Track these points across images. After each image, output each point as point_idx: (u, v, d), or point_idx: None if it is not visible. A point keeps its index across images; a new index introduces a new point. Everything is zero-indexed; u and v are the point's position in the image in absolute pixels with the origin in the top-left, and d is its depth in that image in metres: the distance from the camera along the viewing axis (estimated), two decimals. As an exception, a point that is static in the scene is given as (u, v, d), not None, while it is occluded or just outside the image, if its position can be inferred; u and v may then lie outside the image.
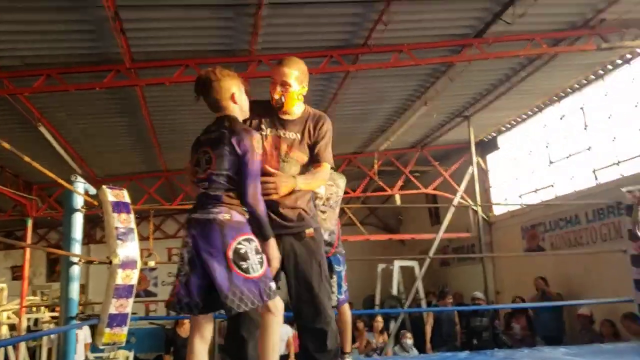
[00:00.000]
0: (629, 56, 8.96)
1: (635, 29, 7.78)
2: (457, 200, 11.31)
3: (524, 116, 11.93)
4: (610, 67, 9.44)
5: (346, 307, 4.57)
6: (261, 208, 2.68)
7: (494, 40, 7.57)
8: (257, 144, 2.70)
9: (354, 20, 7.07)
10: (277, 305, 2.71)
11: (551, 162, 11.31)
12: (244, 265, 2.59)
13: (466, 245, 13.77)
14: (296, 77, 3.06)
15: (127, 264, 5.09)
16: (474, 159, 11.91)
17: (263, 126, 3.06)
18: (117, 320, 5.07)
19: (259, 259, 2.65)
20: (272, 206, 2.93)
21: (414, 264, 12.68)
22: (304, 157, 3.09)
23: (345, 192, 13.55)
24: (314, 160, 3.11)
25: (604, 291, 8.50)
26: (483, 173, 13.04)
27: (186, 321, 9.74)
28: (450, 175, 13.07)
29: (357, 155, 12.80)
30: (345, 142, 11.65)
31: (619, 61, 9.21)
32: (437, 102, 9.53)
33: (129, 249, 5.15)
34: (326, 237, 4.41)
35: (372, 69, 7.97)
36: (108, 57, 7.26)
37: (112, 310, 4.99)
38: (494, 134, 13.05)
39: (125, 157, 11.73)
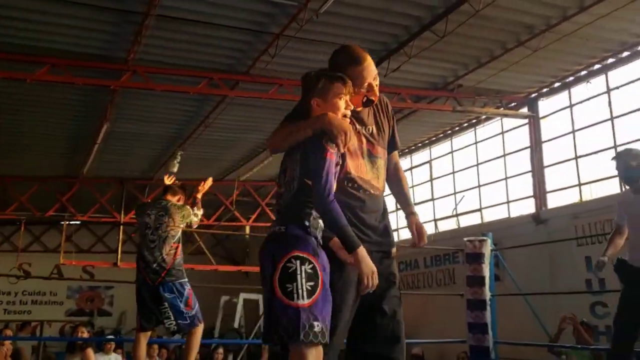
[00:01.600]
0: (474, 121, 10.04)
1: (485, 98, 8.78)
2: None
3: (377, 163, 12.70)
4: (457, 128, 10.50)
5: (198, 331, 4.53)
6: (332, 212, 2.16)
7: (366, 89, 8.04)
8: (329, 143, 2.21)
9: (241, 47, 7.12)
10: (315, 356, 2.10)
11: (397, 209, 12.11)
12: (289, 287, 2.11)
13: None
14: None
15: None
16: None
17: None
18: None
19: (310, 286, 2.12)
20: (361, 216, 2.47)
21: (259, 297, 12.67)
22: (385, 152, 2.61)
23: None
24: (393, 149, 2.69)
25: (435, 333, 9.19)
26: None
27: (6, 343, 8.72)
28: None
29: (217, 183, 12.62)
30: (206, 168, 11.45)
31: (466, 124, 10.28)
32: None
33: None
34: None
35: (249, 98, 8.05)
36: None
37: None
38: (348, 177, 13.67)
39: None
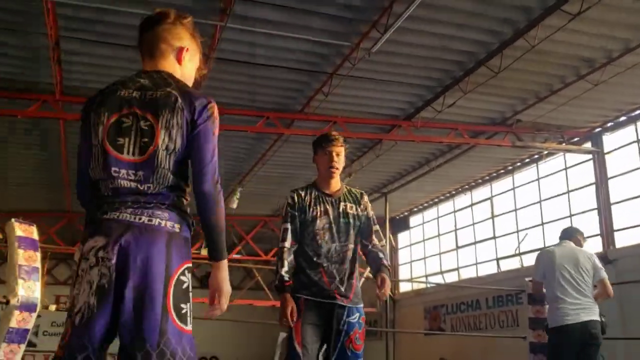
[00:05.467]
0: (536, 157, 9.75)
1: (545, 133, 8.54)
2: (367, 273, 11.47)
3: (436, 200, 12.54)
4: (519, 164, 10.22)
5: None
6: (222, 204, 1.79)
7: (421, 125, 8.02)
8: (217, 113, 1.82)
9: (297, 87, 7.28)
10: None
11: (458, 247, 11.85)
12: (184, 309, 1.68)
13: (369, 321, 13.85)
14: None
15: (26, 307, 4.70)
16: (388, 235, 12.22)
17: None
18: (4, 368, 4.63)
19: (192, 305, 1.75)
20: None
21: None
22: None
23: (257, 255, 13.44)
24: None
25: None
26: (393, 250, 13.39)
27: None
28: (361, 249, 13.28)
29: (273, 218, 12.77)
30: (263, 203, 11.64)
31: (527, 160, 10.01)
32: (360, 176, 9.83)
33: (30, 289, 4.77)
34: None
35: (304, 135, 8.16)
36: (36, 86, 6.96)
37: (0, 356, 4.56)
38: (406, 213, 13.56)
39: (29, 192, 11.02)
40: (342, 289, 2.88)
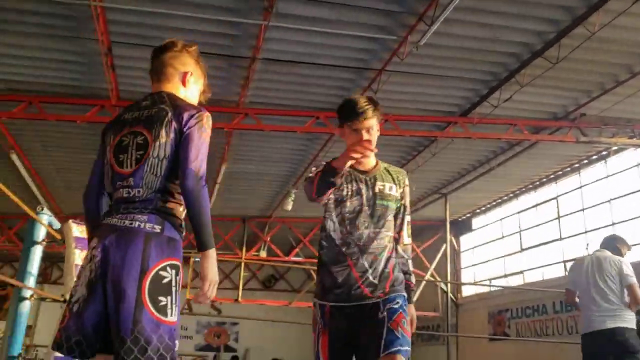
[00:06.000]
0: (604, 153, 9.19)
1: (613, 127, 8.02)
2: (427, 276, 11.21)
3: (499, 200, 12.07)
4: (586, 161, 9.67)
5: None
6: (206, 200, 1.94)
7: (478, 121, 7.72)
8: (207, 122, 2.05)
9: (344, 85, 7.17)
10: None
11: (522, 249, 11.36)
12: (163, 301, 1.85)
13: (431, 326, 13.53)
14: None
15: (82, 305, 4.81)
16: (448, 237, 11.89)
17: None
18: (63, 365, 4.75)
19: (178, 299, 1.92)
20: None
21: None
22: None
23: (315, 257, 13.38)
24: None
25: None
26: (455, 253, 13.01)
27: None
28: (422, 252, 13.01)
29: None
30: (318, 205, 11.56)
31: (595, 157, 9.45)
32: (417, 176, 9.58)
33: (86, 289, 4.89)
34: None
35: (356, 135, 8.03)
36: (93, 92, 7.21)
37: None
38: (469, 215, 13.14)
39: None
40: (376, 283, 2.38)
